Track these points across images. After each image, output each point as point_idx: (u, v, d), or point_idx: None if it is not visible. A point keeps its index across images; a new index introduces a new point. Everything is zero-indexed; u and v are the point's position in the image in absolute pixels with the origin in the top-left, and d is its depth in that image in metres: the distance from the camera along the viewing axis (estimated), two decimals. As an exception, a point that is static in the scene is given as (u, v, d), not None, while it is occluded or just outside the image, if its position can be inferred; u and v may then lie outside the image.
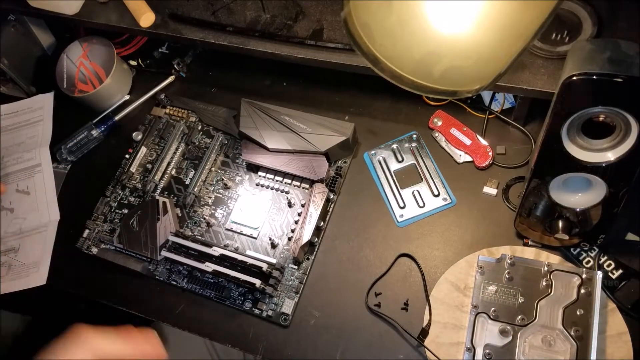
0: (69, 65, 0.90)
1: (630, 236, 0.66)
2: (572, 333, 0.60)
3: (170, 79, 0.91)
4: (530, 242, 0.68)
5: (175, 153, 0.83)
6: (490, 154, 0.73)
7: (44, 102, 0.95)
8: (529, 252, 0.67)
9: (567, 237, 0.62)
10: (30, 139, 0.92)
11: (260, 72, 0.89)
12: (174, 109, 0.87)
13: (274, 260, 0.70)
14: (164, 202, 0.78)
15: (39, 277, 0.79)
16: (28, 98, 0.97)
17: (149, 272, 0.75)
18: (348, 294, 0.70)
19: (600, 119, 0.51)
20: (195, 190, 0.79)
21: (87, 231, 0.80)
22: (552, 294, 0.62)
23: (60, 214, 0.84)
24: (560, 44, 0.63)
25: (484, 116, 0.77)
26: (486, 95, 0.77)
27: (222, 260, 0.70)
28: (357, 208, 0.75)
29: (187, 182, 0.81)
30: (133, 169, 0.83)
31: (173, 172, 0.82)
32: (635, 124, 0.49)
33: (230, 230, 0.76)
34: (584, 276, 0.61)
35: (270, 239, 0.74)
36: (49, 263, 0.80)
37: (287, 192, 0.77)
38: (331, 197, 0.75)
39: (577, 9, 0.64)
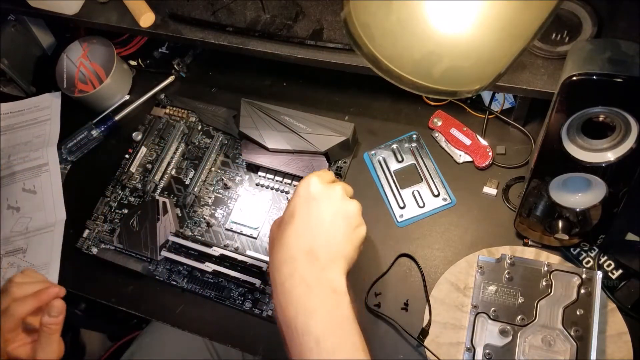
0: (69, 65, 0.90)
1: (630, 236, 0.66)
2: (572, 333, 0.60)
3: (170, 79, 0.91)
4: (530, 242, 0.68)
5: (175, 153, 0.83)
6: (490, 154, 0.73)
7: (52, 102, 0.95)
8: (529, 252, 0.67)
9: (567, 237, 0.62)
10: (37, 138, 0.92)
11: (260, 72, 0.89)
12: (174, 109, 0.87)
13: (274, 260, 0.70)
14: (164, 202, 0.78)
15: (49, 279, 0.78)
16: (34, 97, 0.96)
17: (149, 272, 0.75)
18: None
19: (600, 119, 0.51)
20: (195, 190, 0.79)
21: (87, 231, 0.80)
22: (552, 294, 0.62)
23: (62, 214, 0.84)
24: (560, 44, 0.63)
25: (483, 116, 0.77)
26: (486, 95, 0.77)
27: (222, 260, 0.70)
28: (357, 208, 0.75)
29: (187, 182, 0.81)
30: (133, 169, 0.83)
31: (173, 172, 0.82)
32: (635, 124, 0.49)
33: (230, 230, 0.76)
34: (584, 276, 0.61)
35: (270, 239, 0.74)
36: (59, 264, 0.79)
37: (287, 192, 0.77)
38: (331, 197, 0.75)
39: (577, 9, 0.64)
